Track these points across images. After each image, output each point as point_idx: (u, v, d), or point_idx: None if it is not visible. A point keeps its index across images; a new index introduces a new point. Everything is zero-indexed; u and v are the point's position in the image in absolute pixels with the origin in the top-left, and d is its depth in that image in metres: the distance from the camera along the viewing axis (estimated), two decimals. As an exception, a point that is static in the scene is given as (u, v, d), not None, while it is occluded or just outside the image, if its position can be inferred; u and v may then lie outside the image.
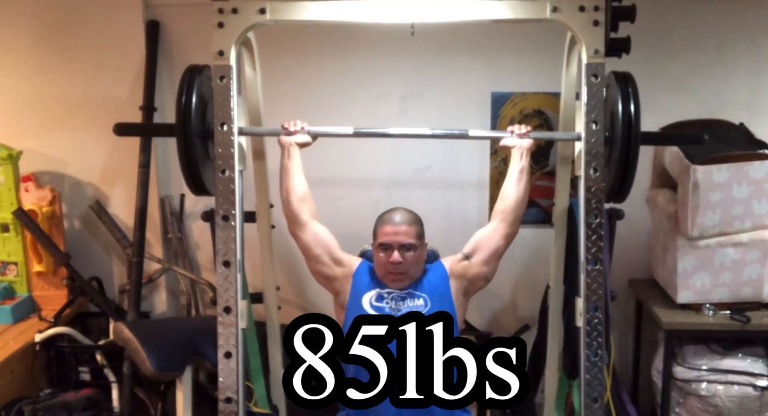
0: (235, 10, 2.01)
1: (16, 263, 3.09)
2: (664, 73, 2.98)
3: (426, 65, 3.05)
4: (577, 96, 2.14)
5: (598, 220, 1.99)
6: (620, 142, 1.95)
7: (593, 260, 1.99)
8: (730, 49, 2.96)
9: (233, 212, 2.01)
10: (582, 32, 1.98)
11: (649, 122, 2.95)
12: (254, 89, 2.45)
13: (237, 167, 2.02)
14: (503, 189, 2.22)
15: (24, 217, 2.96)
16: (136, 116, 3.02)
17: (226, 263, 2.01)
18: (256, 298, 2.67)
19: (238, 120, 2.04)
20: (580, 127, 2.02)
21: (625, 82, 1.99)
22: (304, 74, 3.07)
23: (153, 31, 3.03)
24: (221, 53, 2.01)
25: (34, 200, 3.02)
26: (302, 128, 2.19)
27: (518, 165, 2.18)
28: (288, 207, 2.21)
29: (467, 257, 2.24)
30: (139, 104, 3.02)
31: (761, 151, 2.67)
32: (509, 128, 2.20)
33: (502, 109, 3.06)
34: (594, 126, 1.97)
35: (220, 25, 2.02)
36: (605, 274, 2.04)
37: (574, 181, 2.41)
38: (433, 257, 2.38)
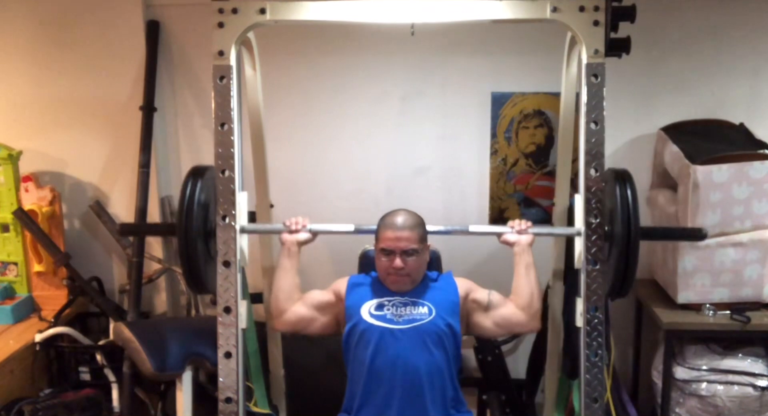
0: (235, 10, 2.01)
1: (16, 263, 3.09)
2: (664, 73, 2.98)
3: (426, 65, 3.05)
4: (577, 101, 2.14)
5: (598, 220, 1.99)
6: (620, 239, 1.95)
7: (593, 260, 1.99)
8: (730, 49, 2.96)
9: (233, 212, 2.01)
10: (582, 32, 1.98)
11: (649, 122, 2.99)
12: (254, 89, 2.45)
13: (238, 263, 2.02)
14: (514, 287, 2.22)
15: (24, 217, 2.96)
16: (136, 117, 3.02)
17: (226, 263, 2.01)
18: (256, 298, 2.67)
19: (240, 218, 2.03)
20: (579, 223, 2.01)
21: (623, 181, 1.99)
22: (304, 74, 3.07)
23: (153, 31, 3.03)
24: (221, 53, 2.02)
25: (34, 200, 3.02)
26: (303, 226, 2.20)
27: (523, 262, 2.18)
28: (276, 304, 2.23)
29: (488, 307, 2.24)
30: (139, 104, 3.02)
31: (761, 151, 2.67)
32: (509, 224, 2.20)
33: (502, 109, 3.06)
34: (594, 126, 1.97)
35: (220, 25, 2.02)
36: (605, 274, 2.04)
37: (574, 181, 2.41)
38: (435, 258, 2.39)
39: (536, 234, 2.20)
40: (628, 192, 1.96)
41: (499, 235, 2.22)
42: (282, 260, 2.21)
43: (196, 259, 2.02)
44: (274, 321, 2.26)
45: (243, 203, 2.06)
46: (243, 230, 2.05)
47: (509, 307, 2.21)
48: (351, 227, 2.19)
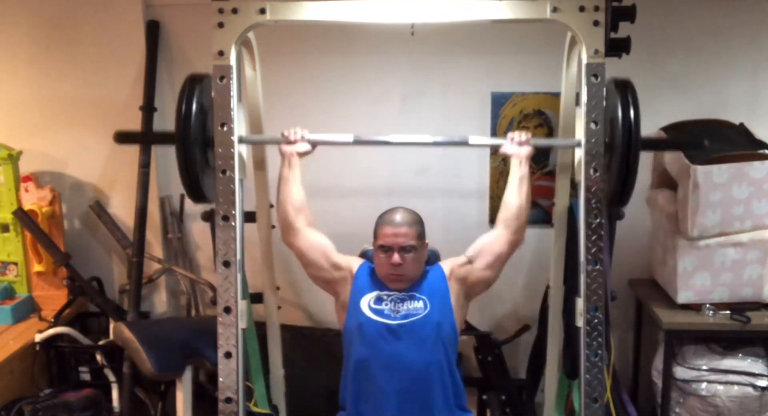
0: (235, 10, 2.02)
1: (16, 263, 3.09)
2: (664, 73, 2.98)
3: (426, 65, 3.05)
4: (577, 98, 2.14)
5: (598, 220, 1.99)
6: (620, 148, 1.94)
7: (593, 260, 1.99)
8: (730, 49, 2.96)
9: (233, 212, 2.02)
10: (582, 32, 1.98)
11: (649, 122, 2.95)
12: (254, 89, 2.45)
13: (237, 175, 2.02)
14: (504, 197, 2.21)
15: (24, 217, 2.96)
16: (136, 117, 3.02)
17: (226, 263, 2.02)
18: (256, 298, 2.67)
19: (238, 127, 2.03)
20: (579, 133, 2.01)
21: (625, 89, 1.98)
22: (304, 74, 3.07)
23: (153, 31, 3.03)
24: (221, 53, 2.02)
25: (34, 200, 3.02)
26: (302, 137, 2.18)
27: (518, 173, 2.17)
28: (284, 216, 2.20)
29: (470, 261, 2.23)
30: (139, 104, 3.02)
31: (761, 151, 2.67)
32: (509, 135, 2.19)
33: (502, 109, 3.06)
34: (594, 126, 1.98)
35: (220, 25, 2.02)
36: (605, 274, 2.04)
37: (574, 181, 2.41)
38: (434, 257, 2.39)
39: (535, 146, 2.21)
40: (629, 99, 1.95)
41: (498, 147, 2.23)
42: (284, 172, 2.19)
43: (194, 167, 2.02)
44: (285, 234, 2.22)
45: (240, 114, 2.06)
46: (241, 141, 2.06)
47: (485, 241, 2.21)
48: (350, 138, 2.18)
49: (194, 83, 2.03)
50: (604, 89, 1.98)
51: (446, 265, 2.28)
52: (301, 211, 2.19)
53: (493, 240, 2.21)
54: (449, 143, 2.31)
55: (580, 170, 2.01)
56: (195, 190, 2.08)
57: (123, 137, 2.27)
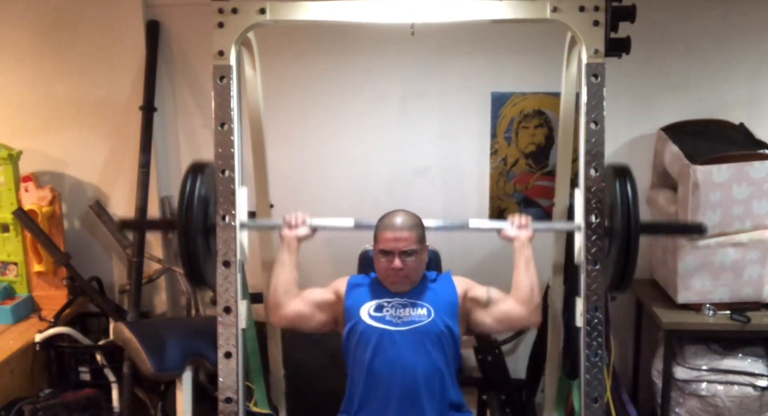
0: (235, 10, 2.02)
1: (16, 263, 3.09)
2: (664, 72, 2.98)
3: (426, 65, 3.05)
4: (577, 101, 2.14)
5: (598, 220, 1.99)
6: (620, 235, 1.95)
7: (593, 260, 1.99)
8: (731, 49, 2.96)
9: (233, 212, 2.01)
10: (582, 32, 1.98)
11: (649, 122, 2.99)
12: (254, 89, 2.45)
13: (238, 257, 2.02)
14: (514, 282, 2.20)
15: (24, 217, 2.96)
16: (136, 117, 3.02)
17: (226, 263, 2.01)
18: (256, 298, 2.67)
19: (240, 213, 2.03)
20: (579, 218, 2.01)
21: (624, 177, 1.99)
22: (304, 74, 3.07)
23: (153, 31, 3.03)
24: (221, 53, 2.02)
25: (34, 200, 3.02)
26: (303, 222, 2.20)
27: (523, 257, 2.17)
28: (274, 298, 2.21)
29: (487, 303, 2.22)
30: (139, 104, 3.02)
31: (761, 151, 2.67)
32: (509, 219, 2.20)
33: (502, 109, 3.06)
34: (594, 126, 1.98)
35: (220, 25, 2.02)
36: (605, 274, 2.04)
37: (574, 181, 2.41)
38: (435, 258, 2.38)
39: (536, 230, 2.20)
40: (628, 187, 1.96)
41: (498, 230, 2.22)
42: (281, 255, 2.21)
43: (196, 255, 2.03)
44: (272, 315, 2.25)
45: (243, 199, 2.06)
46: (243, 226, 2.06)
47: (509, 302, 2.20)
48: (351, 222, 2.19)
49: (196, 172, 2.04)
50: (604, 91, 1.97)
51: (460, 283, 2.27)
52: (290, 293, 2.20)
53: (513, 307, 2.19)
54: (449, 228, 2.31)
55: (579, 256, 2.00)
56: (196, 276, 2.07)
57: (126, 225, 2.29)
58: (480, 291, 2.24)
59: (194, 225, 2.00)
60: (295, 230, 2.19)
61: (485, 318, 2.23)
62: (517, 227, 2.18)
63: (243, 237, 2.06)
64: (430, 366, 2.13)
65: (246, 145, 2.28)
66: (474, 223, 2.24)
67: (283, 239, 2.21)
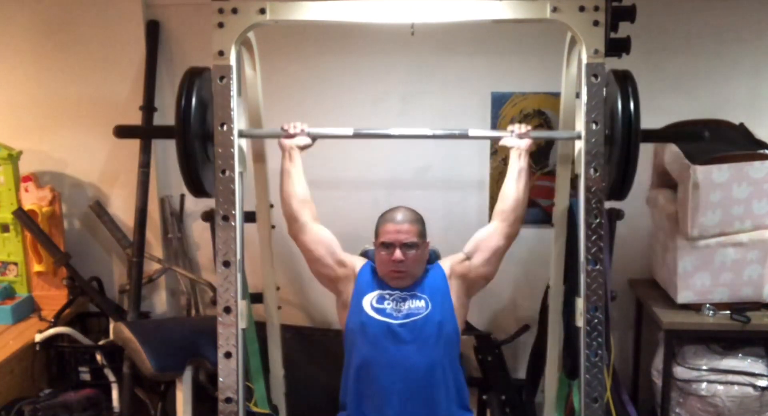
0: (235, 10, 2.01)
1: (16, 263, 3.09)
2: (664, 73, 2.98)
3: (426, 65, 3.05)
4: (577, 95, 2.14)
5: (598, 220, 1.99)
6: (620, 140, 1.95)
7: (593, 260, 1.99)
8: (730, 49, 2.96)
9: (233, 212, 2.01)
10: (582, 32, 1.98)
11: (649, 122, 2.94)
12: (254, 89, 2.45)
13: (237, 168, 2.02)
14: (503, 189, 2.22)
15: (24, 217, 2.96)
16: (136, 116, 3.02)
17: (226, 263, 2.01)
18: (256, 298, 2.67)
19: (238, 122, 2.03)
20: (580, 125, 2.01)
21: (625, 81, 1.98)
22: (304, 74, 3.07)
23: (153, 31, 3.03)
24: (221, 53, 2.01)
25: (34, 200, 3.02)
26: (302, 130, 2.18)
27: (517, 165, 2.18)
28: (288, 210, 2.20)
29: (468, 257, 2.24)
30: (139, 104, 3.02)
31: (761, 151, 2.67)
32: (509, 128, 2.20)
33: (502, 109, 3.06)
34: (594, 126, 1.98)
35: (220, 25, 2.01)
36: (605, 274, 2.04)
37: (574, 181, 2.41)
38: (435, 257, 2.39)
39: (535, 138, 2.22)
40: (629, 90, 1.95)
41: (498, 139, 2.24)
42: (285, 165, 2.20)
43: (194, 161, 2.02)
44: (289, 227, 2.23)
45: (240, 110, 2.07)
46: (241, 134, 2.06)
47: (481, 236, 2.22)
48: (350, 131, 2.19)
49: (194, 77, 2.04)
50: (604, 91, 1.97)
51: (445, 263, 2.28)
52: (305, 204, 2.20)
53: (489, 235, 2.22)
54: (449, 136, 2.32)
55: (579, 164, 2.01)
56: (195, 184, 2.08)
57: (123, 132, 2.27)
58: (458, 257, 2.26)
59: (192, 131, 2.00)
60: (295, 139, 2.18)
61: (479, 269, 2.23)
62: (517, 135, 2.18)
63: (242, 143, 2.07)
64: (431, 358, 2.14)
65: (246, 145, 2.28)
66: (474, 132, 2.25)
67: (283, 149, 2.20)
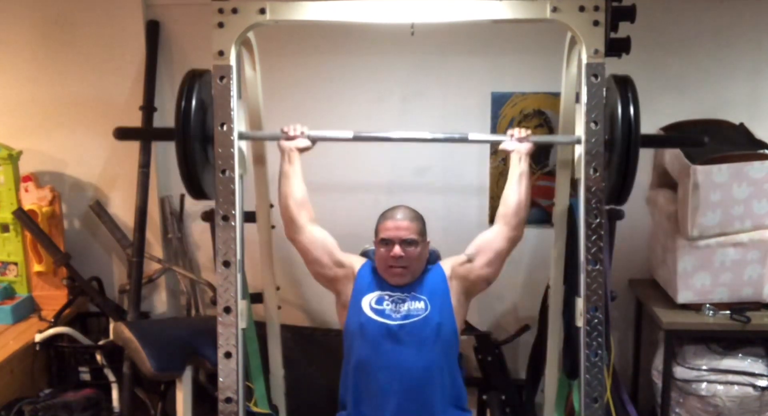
0: (235, 10, 2.01)
1: (16, 263, 3.09)
2: (664, 73, 2.98)
3: (426, 65, 3.05)
4: (577, 97, 2.14)
5: (598, 220, 1.98)
6: (620, 145, 1.95)
7: (593, 260, 1.99)
8: (730, 49, 2.96)
9: (233, 212, 2.01)
10: (582, 32, 1.98)
11: (649, 123, 2.95)
12: (254, 89, 2.45)
13: (237, 170, 2.01)
14: (504, 193, 2.22)
15: (24, 217, 2.96)
16: (136, 117, 3.02)
17: (226, 263, 2.01)
18: (256, 298, 2.67)
19: (238, 124, 2.03)
20: (579, 130, 2.01)
21: (625, 85, 1.98)
22: (304, 74, 3.07)
23: (153, 31, 3.03)
24: (221, 53, 2.01)
25: (34, 200, 3.02)
26: (302, 133, 2.18)
27: (517, 169, 2.18)
28: (286, 212, 2.20)
29: (470, 259, 2.24)
30: (139, 104, 3.02)
31: (761, 151, 2.67)
32: (509, 132, 2.20)
33: (502, 109, 3.06)
34: (594, 126, 1.97)
35: (220, 25, 2.01)
36: (605, 274, 2.04)
37: (574, 181, 2.41)
38: (435, 257, 2.39)
39: (535, 142, 2.21)
40: (629, 95, 1.95)
41: (498, 143, 2.23)
42: (284, 167, 2.19)
43: (194, 163, 2.02)
44: (287, 229, 2.23)
45: (240, 111, 2.06)
46: (241, 136, 2.05)
47: (484, 238, 2.22)
48: (350, 134, 2.18)
49: (194, 79, 2.03)
50: (604, 91, 1.97)
51: (446, 265, 2.28)
52: (302, 206, 2.20)
53: (492, 237, 2.21)
54: (449, 140, 2.32)
55: (579, 167, 2.01)
56: (194, 186, 2.07)
57: (123, 134, 2.27)
58: (460, 258, 2.25)
59: (192, 134, 1.99)
60: (294, 141, 2.18)
61: (480, 271, 2.23)
62: (516, 139, 2.18)
63: (242, 145, 2.07)
64: (429, 359, 2.13)
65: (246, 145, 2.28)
66: (474, 136, 2.25)
67: (283, 151, 2.19)
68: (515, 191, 2.18)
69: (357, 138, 2.19)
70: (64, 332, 2.89)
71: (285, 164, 2.19)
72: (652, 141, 2.30)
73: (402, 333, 2.14)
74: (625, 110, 1.94)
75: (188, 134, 1.99)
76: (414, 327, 2.15)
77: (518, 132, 2.18)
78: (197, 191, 2.10)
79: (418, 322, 2.15)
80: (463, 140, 2.22)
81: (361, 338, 2.16)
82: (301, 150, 2.19)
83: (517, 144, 2.18)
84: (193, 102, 2.00)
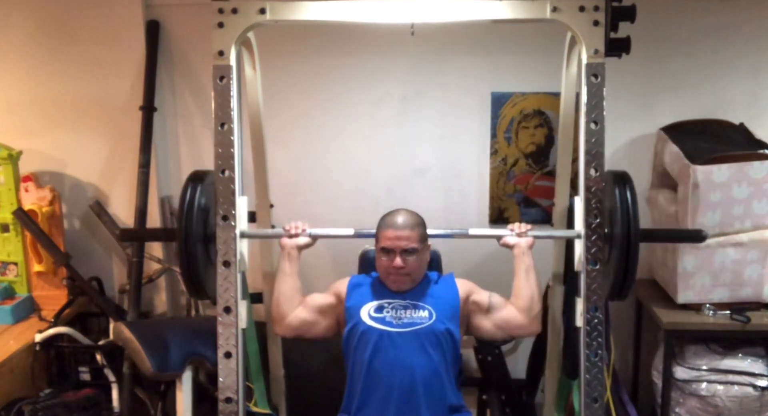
0: (235, 10, 2.01)
1: (16, 263, 3.09)
2: (663, 73, 2.98)
3: (426, 65, 3.05)
4: (577, 101, 2.14)
5: (598, 220, 1.99)
6: (620, 241, 1.96)
7: (593, 260, 1.99)
8: (730, 49, 2.96)
9: (233, 212, 2.01)
10: (582, 32, 1.98)
11: (649, 123, 2.99)
12: (254, 89, 2.45)
13: (238, 267, 2.01)
14: (514, 290, 2.21)
15: (24, 217, 2.95)
16: (136, 117, 3.02)
17: (226, 263, 2.01)
18: (256, 298, 2.67)
19: (240, 223, 2.03)
20: (579, 225, 2.01)
21: (623, 183, 2.00)
22: (304, 74, 3.07)
23: (153, 31, 3.03)
24: (221, 53, 2.01)
25: (34, 200, 3.02)
26: (303, 230, 2.20)
27: (523, 264, 2.18)
28: (276, 309, 2.23)
29: (489, 309, 2.23)
30: (139, 104, 3.02)
31: (761, 151, 2.67)
32: (509, 227, 2.21)
33: (502, 109, 3.06)
34: (594, 126, 1.97)
35: (220, 25, 2.02)
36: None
37: (574, 181, 2.41)
38: (436, 258, 2.39)
39: (536, 237, 2.20)
40: (628, 194, 1.97)
41: (499, 238, 2.22)
42: (283, 265, 2.22)
43: (196, 263, 2.02)
44: (276, 325, 2.26)
45: (243, 207, 2.06)
46: (243, 235, 2.05)
47: (509, 309, 2.21)
48: (351, 231, 2.20)
49: (196, 182, 2.04)
50: (604, 91, 1.97)
51: (463, 286, 2.27)
52: (292, 303, 2.22)
53: (514, 315, 2.20)
54: (448, 236, 2.31)
55: (580, 262, 2.00)
56: (196, 285, 2.07)
57: (126, 235, 2.34)
58: (482, 296, 2.25)
59: (194, 234, 2.00)
60: (296, 239, 2.20)
61: (485, 324, 2.24)
62: (517, 234, 2.18)
63: (243, 246, 2.05)
64: (430, 368, 2.13)
65: (246, 145, 2.28)
66: (474, 231, 2.26)
67: (284, 248, 2.21)
68: (525, 285, 2.18)
69: (358, 235, 2.20)
70: (64, 332, 2.89)
71: (284, 262, 2.21)
72: (651, 237, 2.34)
73: (403, 340, 2.13)
74: (624, 207, 1.96)
75: (191, 234, 2.00)
76: (417, 335, 2.14)
77: (518, 227, 2.19)
78: (199, 290, 2.09)
79: (421, 330, 2.14)
80: (464, 235, 2.23)
81: (362, 346, 2.15)
82: (302, 247, 2.21)
83: (518, 239, 2.18)
84: (195, 204, 2.00)
